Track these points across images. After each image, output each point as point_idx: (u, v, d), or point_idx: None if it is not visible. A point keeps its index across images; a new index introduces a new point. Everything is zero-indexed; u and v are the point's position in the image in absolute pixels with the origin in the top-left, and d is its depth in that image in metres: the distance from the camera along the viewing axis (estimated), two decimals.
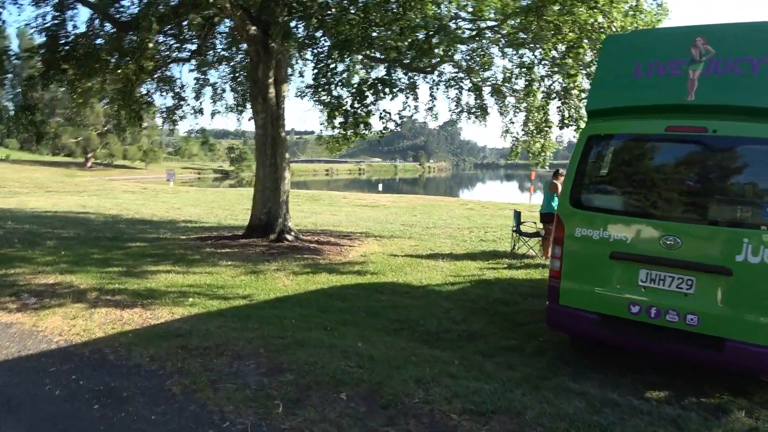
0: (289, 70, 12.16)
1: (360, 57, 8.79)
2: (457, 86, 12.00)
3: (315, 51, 8.33)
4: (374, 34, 8.64)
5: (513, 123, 13.65)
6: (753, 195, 4.18)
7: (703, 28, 4.49)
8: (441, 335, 5.82)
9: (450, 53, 11.02)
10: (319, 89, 7.80)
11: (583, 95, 9.23)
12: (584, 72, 9.06)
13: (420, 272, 8.80)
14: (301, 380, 4.42)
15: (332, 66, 8.06)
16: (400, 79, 7.91)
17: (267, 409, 3.94)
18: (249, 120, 14.42)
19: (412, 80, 9.79)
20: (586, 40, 8.34)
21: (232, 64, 13.72)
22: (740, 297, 4.05)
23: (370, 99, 7.48)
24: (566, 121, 10.03)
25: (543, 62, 10.09)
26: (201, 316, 6.10)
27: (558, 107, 9.87)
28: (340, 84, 8.28)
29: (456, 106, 13.59)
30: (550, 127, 10.51)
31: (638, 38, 4.92)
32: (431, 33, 8.06)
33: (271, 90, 10.52)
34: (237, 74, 13.76)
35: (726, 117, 4.16)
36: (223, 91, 14.68)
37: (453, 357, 5.14)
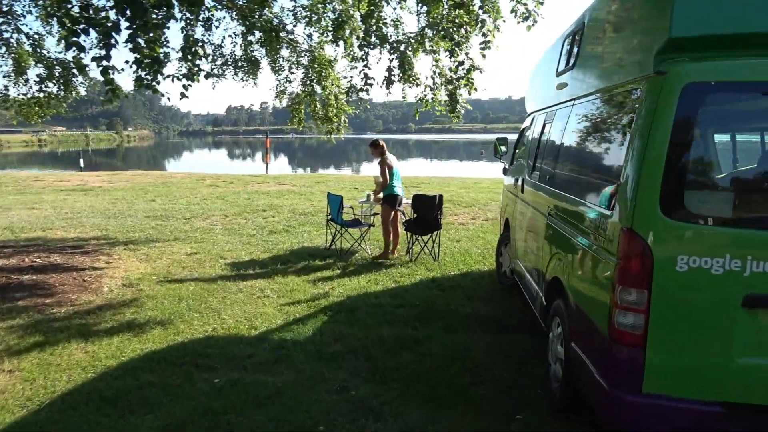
0: None
1: None
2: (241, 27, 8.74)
3: None
4: None
5: (290, 82, 11.08)
6: None
7: None
8: None
9: None
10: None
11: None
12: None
13: (239, 307, 5.67)
14: None
15: None
16: None
17: None
18: None
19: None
20: None
21: None
22: None
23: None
24: (393, 77, 7.82)
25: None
26: None
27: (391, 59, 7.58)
28: None
29: (220, 57, 10.32)
30: (368, 87, 8.12)
31: None
32: None
33: None
34: None
35: None
36: None
37: None
